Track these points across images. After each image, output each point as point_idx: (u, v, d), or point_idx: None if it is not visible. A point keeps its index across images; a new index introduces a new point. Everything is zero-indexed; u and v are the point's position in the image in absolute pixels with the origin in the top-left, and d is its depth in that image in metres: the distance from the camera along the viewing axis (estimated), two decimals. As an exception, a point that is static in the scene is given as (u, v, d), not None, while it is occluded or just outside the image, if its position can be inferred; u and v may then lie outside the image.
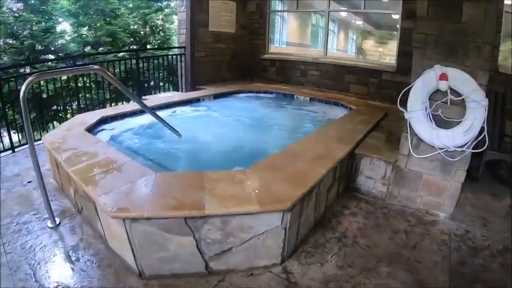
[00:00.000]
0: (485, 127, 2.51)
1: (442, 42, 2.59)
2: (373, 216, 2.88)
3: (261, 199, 1.95)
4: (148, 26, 9.59)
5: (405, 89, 2.81)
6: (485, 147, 2.59)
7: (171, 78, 6.84)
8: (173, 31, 10.32)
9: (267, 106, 5.43)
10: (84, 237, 2.38)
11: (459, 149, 2.61)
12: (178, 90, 6.51)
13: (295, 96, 5.94)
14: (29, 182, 3.10)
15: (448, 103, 2.63)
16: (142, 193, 2.02)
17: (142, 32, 9.53)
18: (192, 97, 5.18)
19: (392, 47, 12.38)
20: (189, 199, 1.92)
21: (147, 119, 4.17)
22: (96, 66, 2.70)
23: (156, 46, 9.72)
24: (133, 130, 3.87)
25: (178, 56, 6.23)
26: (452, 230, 2.70)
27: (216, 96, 5.56)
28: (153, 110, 4.39)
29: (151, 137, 3.70)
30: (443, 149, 2.67)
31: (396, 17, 7.90)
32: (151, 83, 6.31)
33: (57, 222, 2.50)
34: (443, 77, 2.52)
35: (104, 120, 3.84)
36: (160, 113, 4.28)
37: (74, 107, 5.98)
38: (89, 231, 2.43)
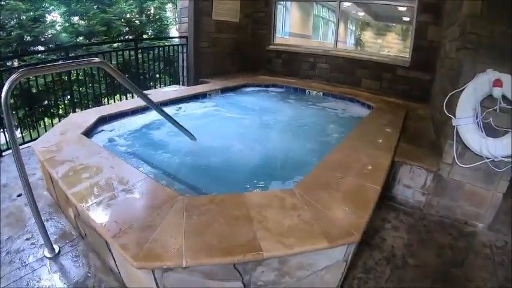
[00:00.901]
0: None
1: (495, 45, 2.32)
2: (415, 229, 2.60)
3: (326, 231, 1.56)
4: (144, 15, 8.81)
5: (452, 92, 2.57)
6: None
7: (172, 71, 6.22)
8: (170, 20, 9.65)
9: (279, 102, 4.95)
10: (92, 271, 1.89)
11: (506, 159, 2.39)
12: (178, 84, 5.97)
13: (306, 90, 5.48)
14: (19, 196, 2.57)
15: (498, 110, 2.36)
16: (173, 228, 1.54)
17: (138, 21, 8.73)
18: (198, 92, 4.66)
19: (391, 38, 12.03)
20: (238, 237, 1.47)
21: (151, 117, 3.68)
22: (96, 59, 2.17)
23: (152, 36, 8.95)
24: (137, 133, 3.34)
25: (180, 47, 5.67)
26: (492, 241, 2.52)
27: (223, 91, 5.05)
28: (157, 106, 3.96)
29: (160, 142, 3.17)
30: (490, 158, 2.44)
31: (402, 9, 7.51)
32: (151, 76, 5.72)
33: (56, 250, 2.01)
34: (498, 83, 2.25)
35: (102, 120, 3.31)
36: (165, 110, 3.81)
37: (66, 102, 5.41)
38: (96, 263, 1.95)
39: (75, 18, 8.42)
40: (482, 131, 2.41)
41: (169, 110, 3.57)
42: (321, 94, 5.35)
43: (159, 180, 2.10)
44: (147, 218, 1.61)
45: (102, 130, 3.17)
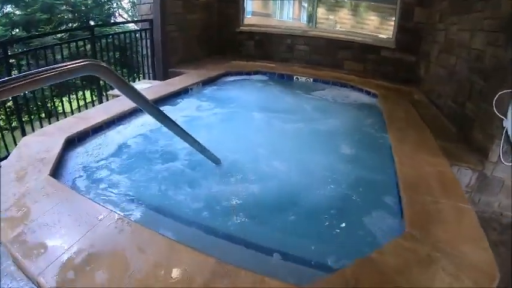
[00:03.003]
0: None
1: None
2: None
3: (475, 280, 1.28)
4: None
5: (501, 92, 2.39)
6: None
7: (133, 62, 4.97)
8: (119, 2, 8.05)
9: (273, 93, 4.17)
10: None
11: None
12: (144, 77, 4.87)
13: (294, 77, 4.78)
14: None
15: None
16: None
17: (83, 6, 6.87)
18: (179, 88, 3.69)
19: (343, 14, 11.73)
20: None
21: (131, 131, 2.75)
22: (85, 62, 1.24)
23: (100, 22, 7.14)
24: (128, 158, 2.34)
25: (142, 33, 4.54)
26: None
27: (204, 83, 4.16)
28: (133, 112, 3.01)
29: (171, 171, 2.18)
30: None
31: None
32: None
33: None
34: None
35: (71, 144, 2.31)
36: (147, 118, 2.89)
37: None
38: None
39: (9, 7, 6.29)
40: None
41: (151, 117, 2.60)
42: (311, 80, 4.70)
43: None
44: None
45: (76, 160, 2.15)
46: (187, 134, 1.94)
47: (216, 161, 2.17)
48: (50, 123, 3.36)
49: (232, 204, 1.87)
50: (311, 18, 12.07)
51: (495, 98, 2.41)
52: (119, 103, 3.07)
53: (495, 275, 1.32)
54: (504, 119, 2.37)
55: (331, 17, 12.29)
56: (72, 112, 3.69)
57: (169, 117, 1.81)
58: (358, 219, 1.80)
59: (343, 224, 1.78)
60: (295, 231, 1.74)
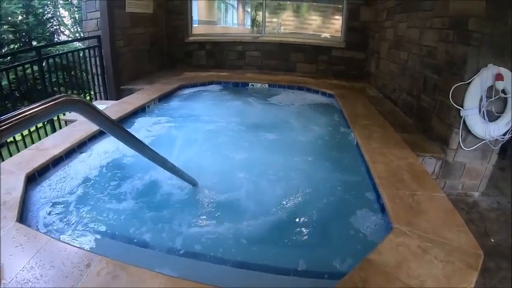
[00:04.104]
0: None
1: (494, 42, 2.46)
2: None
3: (467, 262, 1.41)
4: (31, 15, 6.31)
5: (456, 84, 2.63)
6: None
7: (82, 82, 4.60)
8: (63, 19, 7.44)
9: (231, 103, 4.12)
10: None
11: (501, 138, 2.67)
12: (95, 98, 4.57)
13: (249, 84, 4.81)
14: None
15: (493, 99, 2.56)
16: None
17: (25, 25, 6.16)
18: (136, 107, 3.49)
19: (286, 16, 12.13)
20: None
21: (99, 158, 2.56)
22: (61, 99, 1.09)
23: (44, 42, 6.45)
24: (100, 187, 2.15)
25: (90, 50, 4.26)
26: (490, 205, 2.87)
27: (160, 99, 4.02)
28: (93, 138, 2.83)
29: (148, 197, 2.05)
30: (488, 139, 2.68)
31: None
32: (55, 93, 4.13)
33: None
34: (500, 77, 2.45)
35: (32, 181, 2.08)
36: (109, 140, 2.74)
37: None
38: None
39: None
40: (485, 118, 2.58)
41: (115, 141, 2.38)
42: (266, 86, 4.78)
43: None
44: None
45: (42, 199, 1.91)
46: (165, 159, 1.85)
47: (193, 182, 2.11)
48: (0, 155, 3.04)
49: (219, 221, 1.85)
50: (255, 22, 12.29)
51: (451, 91, 2.64)
52: (76, 129, 2.86)
53: (480, 253, 1.46)
54: (461, 109, 2.60)
55: (274, 19, 12.61)
56: (23, 139, 3.35)
57: (148, 146, 1.71)
58: (346, 220, 1.86)
59: (335, 228, 1.84)
60: (287, 243, 1.75)
